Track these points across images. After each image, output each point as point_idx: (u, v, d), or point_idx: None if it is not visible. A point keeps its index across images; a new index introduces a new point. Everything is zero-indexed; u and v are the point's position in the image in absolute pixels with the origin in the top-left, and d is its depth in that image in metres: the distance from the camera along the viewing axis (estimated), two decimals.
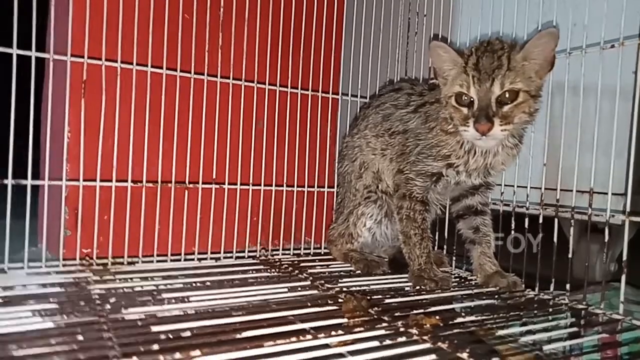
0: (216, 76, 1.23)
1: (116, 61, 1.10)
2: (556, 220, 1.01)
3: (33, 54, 1.00)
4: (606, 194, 0.92)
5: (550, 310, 0.92)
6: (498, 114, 0.93)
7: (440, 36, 1.29)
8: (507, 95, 0.93)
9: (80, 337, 0.67)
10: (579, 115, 0.98)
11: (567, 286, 0.98)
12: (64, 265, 1.08)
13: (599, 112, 0.93)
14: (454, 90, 0.98)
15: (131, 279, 1.00)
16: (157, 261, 1.17)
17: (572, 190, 0.99)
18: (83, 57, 1.07)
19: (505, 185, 1.14)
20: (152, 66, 1.14)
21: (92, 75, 1.09)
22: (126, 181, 1.14)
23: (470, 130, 0.95)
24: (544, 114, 1.04)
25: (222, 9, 1.23)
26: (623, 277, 0.89)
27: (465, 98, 0.96)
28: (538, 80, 0.96)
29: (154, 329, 0.71)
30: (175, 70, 1.17)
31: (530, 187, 1.07)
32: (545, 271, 1.02)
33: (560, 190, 1.01)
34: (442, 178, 1.08)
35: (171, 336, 0.69)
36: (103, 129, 1.10)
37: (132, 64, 1.12)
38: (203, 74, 1.21)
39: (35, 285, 0.93)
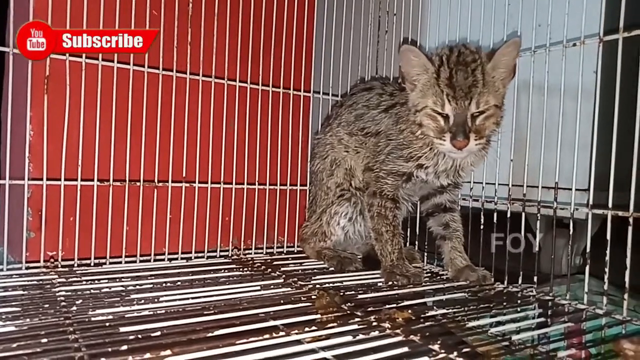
0: (185, 73, 1.21)
1: (81, 56, 1.07)
2: (523, 215, 1.04)
3: None
4: (571, 189, 0.95)
5: (519, 302, 0.95)
6: (473, 129, 0.94)
7: (410, 36, 1.30)
8: (480, 109, 0.95)
9: (44, 340, 0.65)
10: (544, 112, 1.01)
11: (535, 279, 1.01)
12: (27, 268, 1.04)
13: (564, 110, 0.97)
14: (427, 103, 0.98)
15: (98, 280, 0.97)
16: (126, 262, 1.14)
17: (537, 187, 1.02)
18: None
19: (474, 182, 1.16)
20: (118, 62, 1.12)
21: (56, 70, 1.05)
22: (92, 180, 1.11)
23: (446, 145, 0.96)
24: (510, 111, 1.07)
25: (191, 4, 1.21)
26: (587, 270, 0.93)
27: (440, 114, 0.97)
28: (502, 88, 0.99)
29: (123, 329, 0.69)
30: (143, 66, 1.14)
31: (499, 184, 1.09)
32: (514, 265, 1.04)
33: (527, 186, 1.04)
34: (412, 177, 1.09)
35: (140, 336, 0.67)
36: (67, 126, 1.06)
37: (97, 59, 1.09)
38: (172, 71, 1.18)
39: None
